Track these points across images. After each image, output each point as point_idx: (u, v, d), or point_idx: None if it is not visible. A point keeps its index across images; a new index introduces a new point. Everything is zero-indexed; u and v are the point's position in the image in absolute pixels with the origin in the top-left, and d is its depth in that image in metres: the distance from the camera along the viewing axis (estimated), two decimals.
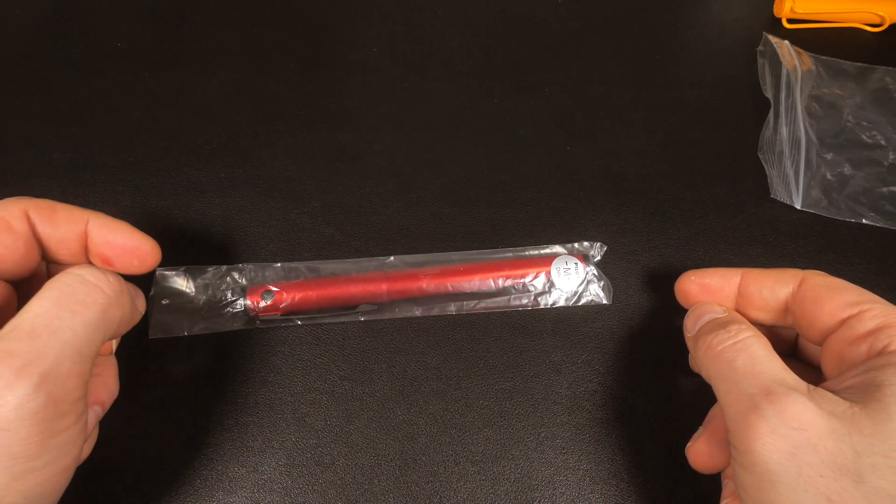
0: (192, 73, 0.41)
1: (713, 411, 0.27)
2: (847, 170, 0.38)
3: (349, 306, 0.31)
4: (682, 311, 0.29)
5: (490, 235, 0.35)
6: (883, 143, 0.40)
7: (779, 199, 0.37)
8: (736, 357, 0.23)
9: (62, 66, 0.41)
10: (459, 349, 0.31)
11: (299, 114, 0.40)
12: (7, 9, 0.45)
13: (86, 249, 0.25)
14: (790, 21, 0.47)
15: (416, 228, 0.35)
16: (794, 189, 0.37)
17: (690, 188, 0.37)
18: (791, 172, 0.38)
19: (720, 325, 0.25)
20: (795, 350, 0.29)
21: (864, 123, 0.41)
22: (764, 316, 0.27)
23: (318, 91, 0.41)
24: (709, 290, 0.28)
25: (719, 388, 0.23)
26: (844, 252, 0.35)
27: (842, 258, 0.35)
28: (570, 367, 0.31)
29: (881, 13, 0.46)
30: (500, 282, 0.32)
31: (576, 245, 0.34)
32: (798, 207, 0.37)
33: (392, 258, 0.33)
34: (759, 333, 0.24)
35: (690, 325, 0.27)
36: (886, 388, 0.20)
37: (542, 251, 0.34)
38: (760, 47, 0.45)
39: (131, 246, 0.25)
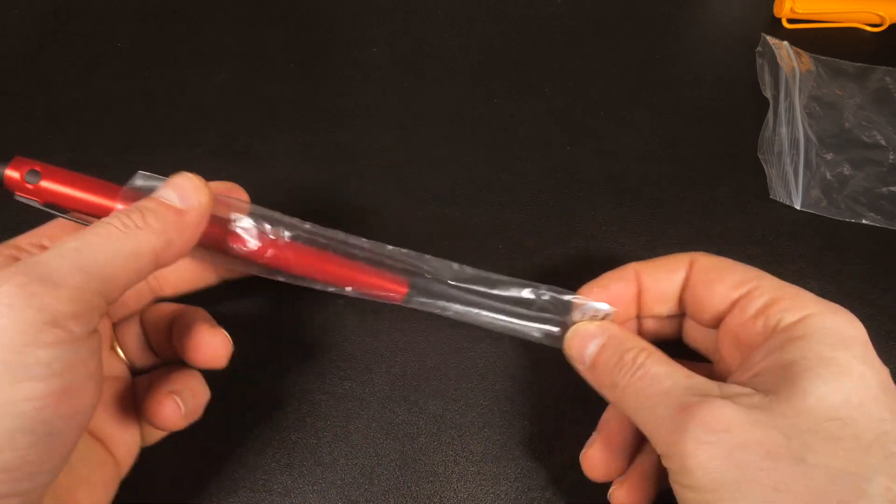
0: (192, 73, 0.41)
1: (606, 416, 0.27)
2: (847, 170, 0.38)
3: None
4: None
5: (490, 235, 0.35)
6: (883, 143, 0.40)
7: (778, 199, 0.37)
8: (643, 387, 0.23)
9: (62, 66, 0.41)
10: (459, 349, 0.31)
11: (299, 114, 0.40)
12: (7, 9, 0.45)
13: None
14: (790, 21, 0.47)
15: (416, 228, 0.35)
16: (793, 189, 0.37)
17: (690, 188, 0.37)
18: (791, 173, 0.38)
19: (614, 355, 0.24)
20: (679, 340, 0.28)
21: (864, 123, 0.41)
22: (663, 308, 0.27)
23: (318, 91, 0.41)
24: (616, 299, 0.26)
25: (638, 420, 0.23)
26: (844, 252, 0.35)
27: (842, 258, 0.35)
28: (571, 367, 0.31)
29: (881, 13, 0.46)
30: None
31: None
32: (798, 208, 0.37)
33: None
34: (650, 347, 0.24)
35: (578, 356, 0.26)
36: (793, 365, 0.20)
37: (561, 295, 0.27)
38: (759, 48, 0.45)
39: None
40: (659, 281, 0.26)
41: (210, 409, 0.29)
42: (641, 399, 0.23)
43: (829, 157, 0.39)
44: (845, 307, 0.23)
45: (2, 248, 0.23)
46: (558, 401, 0.30)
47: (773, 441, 0.19)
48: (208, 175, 0.36)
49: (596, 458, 0.26)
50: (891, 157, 0.39)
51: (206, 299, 0.33)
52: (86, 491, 0.23)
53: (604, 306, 0.26)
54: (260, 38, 0.44)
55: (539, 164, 0.38)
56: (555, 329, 0.27)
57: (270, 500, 0.27)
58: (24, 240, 0.23)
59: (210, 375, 0.30)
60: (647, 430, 0.22)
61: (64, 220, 0.25)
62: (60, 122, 0.38)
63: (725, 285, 0.24)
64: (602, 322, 0.26)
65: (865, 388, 0.20)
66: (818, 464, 0.19)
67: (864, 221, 0.36)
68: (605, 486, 0.28)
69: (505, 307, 0.28)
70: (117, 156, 0.37)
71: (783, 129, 0.40)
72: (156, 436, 0.27)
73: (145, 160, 0.37)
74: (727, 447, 0.19)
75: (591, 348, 0.25)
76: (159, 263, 0.22)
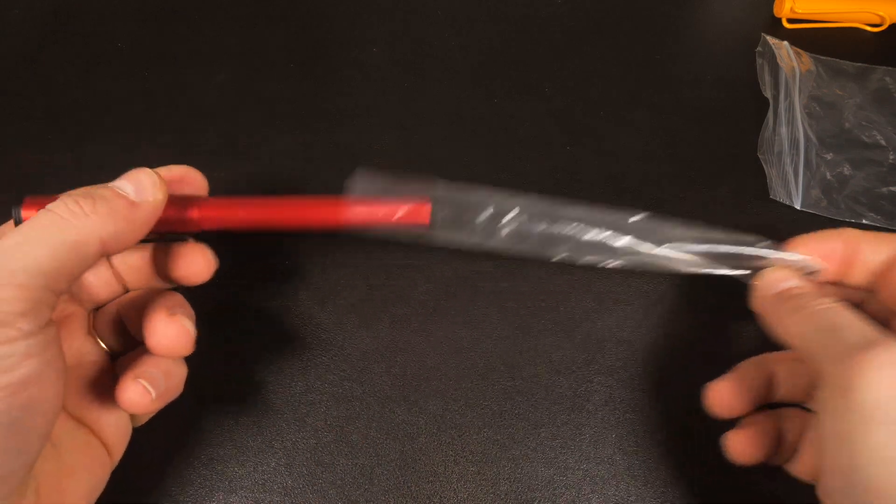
0: (192, 73, 0.41)
1: (745, 363, 0.28)
2: (847, 170, 0.38)
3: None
4: (691, 306, 0.29)
5: None
6: (883, 143, 0.40)
7: (778, 199, 0.37)
8: (835, 316, 0.23)
9: (62, 66, 0.41)
10: (459, 349, 0.31)
11: (299, 114, 0.40)
12: (7, 9, 0.45)
13: None
14: (790, 21, 0.47)
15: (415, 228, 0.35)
16: (793, 189, 0.37)
17: (690, 188, 0.38)
18: (791, 173, 0.38)
19: (807, 296, 0.25)
20: None
21: (864, 123, 0.41)
22: (860, 278, 0.27)
23: (318, 91, 0.41)
24: (828, 256, 0.28)
25: (814, 340, 0.23)
26: None
27: None
28: (570, 367, 0.31)
29: (881, 13, 0.46)
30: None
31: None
32: (798, 208, 0.37)
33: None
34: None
35: (768, 285, 0.27)
36: None
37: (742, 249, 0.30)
38: (759, 48, 0.45)
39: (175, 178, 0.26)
40: (872, 250, 0.26)
41: (209, 409, 0.29)
42: (828, 322, 0.23)
43: (829, 157, 0.39)
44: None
45: None
46: (558, 401, 0.30)
47: None
48: (208, 175, 0.36)
49: (724, 391, 0.27)
50: (891, 157, 0.39)
51: (204, 297, 0.33)
52: (72, 479, 0.23)
53: (815, 263, 0.28)
54: (260, 38, 0.44)
55: (539, 164, 0.38)
56: (747, 272, 0.29)
57: (270, 500, 0.27)
58: None
59: (209, 376, 0.30)
60: (819, 351, 0.22)
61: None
62: (60, 122, 0.38)
63: None
64: (805, 276, 0.27)
65: None
66: None
67: (864, 221, 0.36)
68: (605, 485, 0.28)
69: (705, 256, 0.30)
70: (117, 156, 0.37)
71: (783, 129, 0.40)
72: (144, 416, 0.26)
73: (145, 160, 0.37)
74: None
75: (787, 283, 0.26)
76: (106, 251, 0.22)
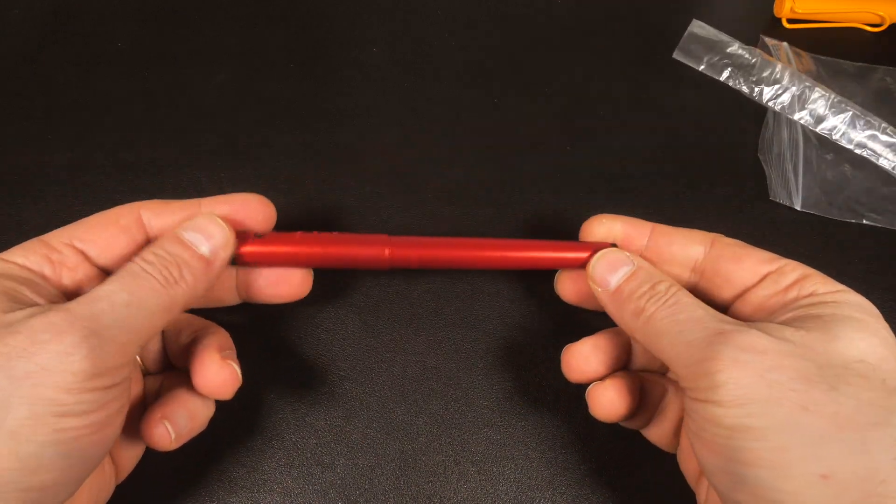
0: (192, 73, 0.41)
1: (604, 331, 0.27)
2: (847, 170, 0.38)
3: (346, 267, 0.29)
4: None
5: (490, 236, 0.35)
6: None
7: (778, 200, 0.37)
8: (676, 313, 0.23)
9: (62, 66, 0.41)
10: (459, 349, 0.31)
11: (299, 114, 0.40)
12: (7, 9, 0.45)
13: None
14: (790, 21, 0.47)
15: (416, 228, 0.35)
16: (793, 189, 0.37)
17: (690, 188, 0.38)
18: (791, 172, 0.38)
19: (644, 283, 0.25)
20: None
21: None
22: (668, 271, 0.27)
23: (318, 91, 0.41)
24: (626, 242, 0.28)
25: (661, 344, 0.23)
26: (844, 252, 0.35)
27: (842, 258, 0.35)
28: None
29: (881, 13, 0.46)
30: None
31: None
32: (798, 208, 0.37)
33: None
34: (678, 283, 0.25)
35: (602, 280, 0.26)
36: (824, 316, 0.22)
37: None
38: (759, 48, 0.45)
39: (244, 208, 0.27)
40: (673, 245, 0.27)
41: None
42: (670, 324, 0.23)
43: (829, 157, 0.39)
44: None
45: (34, 245, 0.24)
46: (558, 400, 0.30)
47: (805, 368, 0.20)
48: (208, 175, 0.36)
49: (582, 354, 0.27)
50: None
51: None
52: (78, 499, 0.23)
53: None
54: (260, 38, 0.44)
55: (539, 164, 0.38)
56: None
57: (270, 500, 0.27)
58: (55, 238, 0.24)
59: None
60: (672, 353, 0.23)
61: (96, 219, 0.25)
62: (60, 122, 0.38)
63: (754, 260, 0.25)
64: (631, 253, 0.27)
65: (890, 348, 0.21)
66: (848, 394, 0.20)
67: (864, 221, 0.36)
68: (605, 486, 0.28)
69: None
70: (117, 156, 0.37)
71: (783, 130, 0.40)
72: None
73: (145, 160, 0.37)
74: (761, 368, 0.20)
75: (619, 275, 0.26)
76: (183, 310, 0.24)
